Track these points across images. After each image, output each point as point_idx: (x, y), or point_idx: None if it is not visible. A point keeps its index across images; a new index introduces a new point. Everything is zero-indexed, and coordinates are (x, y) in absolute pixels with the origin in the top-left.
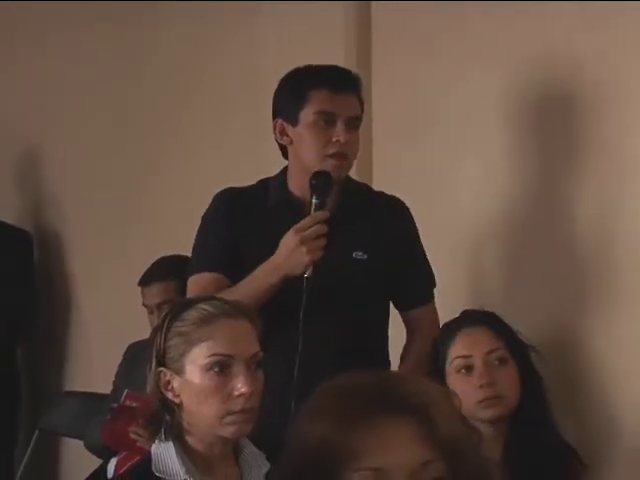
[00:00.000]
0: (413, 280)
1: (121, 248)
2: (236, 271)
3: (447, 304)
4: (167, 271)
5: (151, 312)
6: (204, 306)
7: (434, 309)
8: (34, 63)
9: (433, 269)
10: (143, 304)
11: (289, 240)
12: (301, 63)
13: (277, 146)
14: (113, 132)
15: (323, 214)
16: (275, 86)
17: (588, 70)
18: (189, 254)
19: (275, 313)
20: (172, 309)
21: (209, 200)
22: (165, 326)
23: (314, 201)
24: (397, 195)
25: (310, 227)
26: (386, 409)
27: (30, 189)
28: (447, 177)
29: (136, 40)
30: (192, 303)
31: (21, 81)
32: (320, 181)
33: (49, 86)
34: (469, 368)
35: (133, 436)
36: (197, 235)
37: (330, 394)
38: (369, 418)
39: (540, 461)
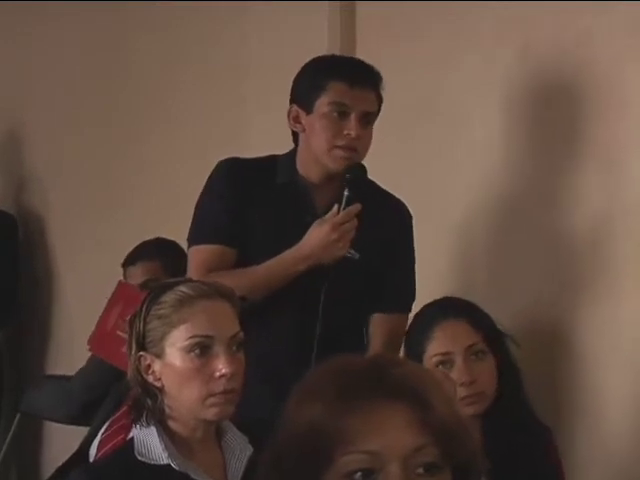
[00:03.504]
0: (386, 283)
1: (103, 231)
2: (239, 240)
3: (434, 292)
4: (153, 251)
5: None
6: (182, 288)
7: (400, 323)
8: (16, 45)
9: (422, 255)
10: None
11: (326, 233)
12: (285, 53)
13: (259, 132)
14: (97, 115)
15: (356, 208)
16: (259, 78)
17: (576, 54)
18: (172, 237)
19: (277, 297)
20: (150, 293)
21: (193, 185)
22: (144, 310)
23: (346, 194)
24: (384, 183)
25: (346, 221)
26: (381, 393)
27: (12, 172)
28: (434, 165)
29: (123, 24)
30: (170, 286)
31: (4, 64)
32: (354, 174)
33: (32, 68)
34: (447, 364)
35: (121, 334)
36: (201, 200)
37: (324, 376)
38: (363, 402)
39: (518, 444)
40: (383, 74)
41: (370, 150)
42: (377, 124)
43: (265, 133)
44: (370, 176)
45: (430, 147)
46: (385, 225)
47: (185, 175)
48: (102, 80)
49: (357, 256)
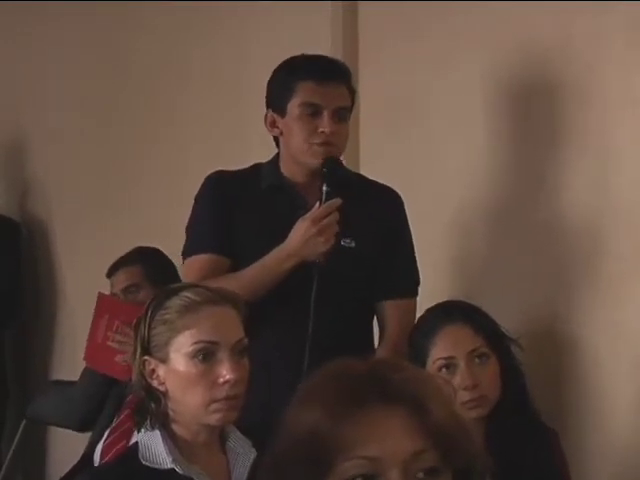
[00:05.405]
0: (390, 270)
1: (106, 235)
2: (231, 250)
3: (433, 291)
4: (134, 257)
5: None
6: (187, 294)
7: (410, 307)
8: (19, 50)
9: (419, 255)
10: (112, 294)
11: (306, 229)
12: (287, 54)
13: (260, 132)
14: (99, 120)
15: (336, 202)
16: (261, 79)
17: (575, 55)
18: (174, 241)
19: (273, 297)
20: (155, 297)
21: (195, 188)
22: (149, 315)
23: (325, 189)
24: (384, 182)
25: (325, 216)
26: (380, 398)
27: (15, 177)
28: (434, 163)
29: (124, 26)
30: (175, 291)
31: (5, 69)
32: (330, 168)
33: (35, 74)
34: (451, 368)
35: (111, 344)
36: (190, 216)
37: (324, 381)
38: (363, 407)
39: (522, 447)
40: (385, 74)
41: (369, 149)
42: (376, 123)
43: (266, 134)
44: (368, 175)
45: (429, 147)
46: (377, 212)
47: (187, 178)
48: (102, 81)
49: (353, 244)
